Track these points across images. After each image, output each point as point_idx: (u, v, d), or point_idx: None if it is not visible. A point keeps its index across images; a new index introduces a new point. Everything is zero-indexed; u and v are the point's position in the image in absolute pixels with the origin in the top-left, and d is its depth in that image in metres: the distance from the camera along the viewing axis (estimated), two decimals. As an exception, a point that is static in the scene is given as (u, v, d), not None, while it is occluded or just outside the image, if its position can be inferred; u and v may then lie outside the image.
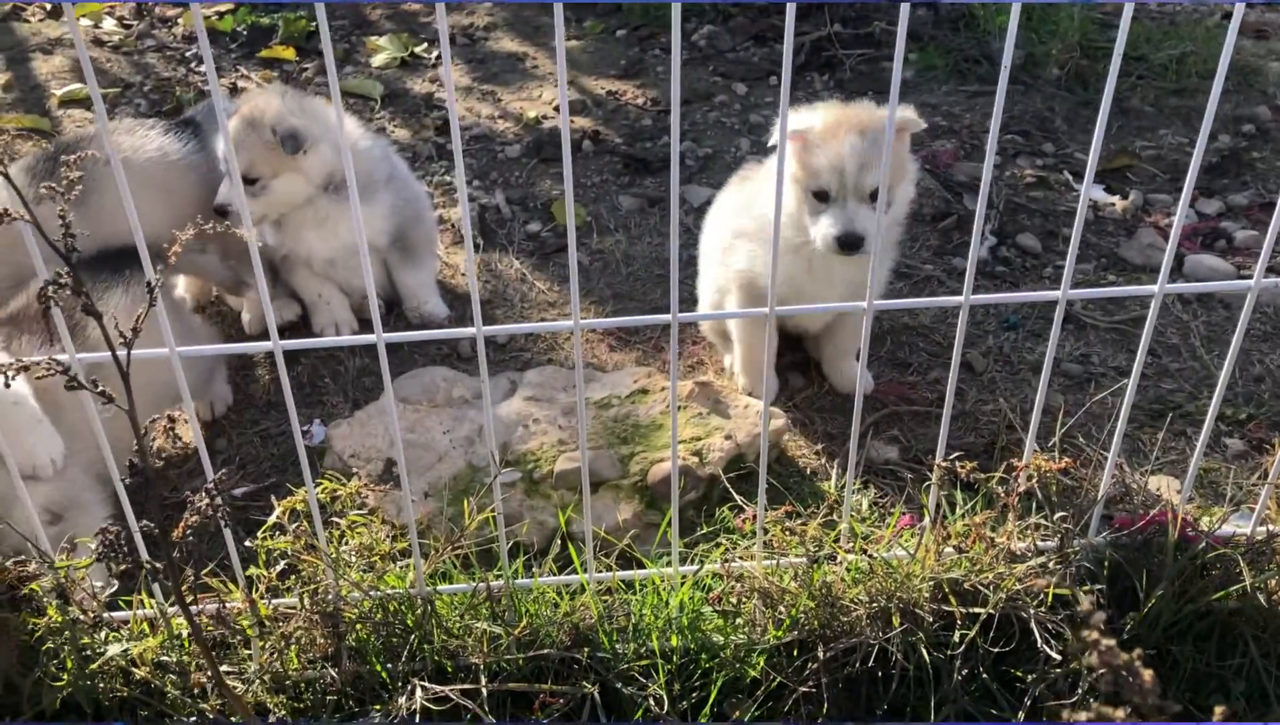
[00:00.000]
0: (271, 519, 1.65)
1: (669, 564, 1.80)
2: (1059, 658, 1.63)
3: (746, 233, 2.40)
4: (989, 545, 1.72)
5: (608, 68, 4.28)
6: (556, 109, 3.96)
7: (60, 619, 1.62)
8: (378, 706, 1.62)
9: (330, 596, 1.67)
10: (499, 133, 3.84)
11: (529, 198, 3.46)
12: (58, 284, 1.18)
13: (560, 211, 3.33)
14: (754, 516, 1.80)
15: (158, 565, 1.32)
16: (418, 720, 1.58)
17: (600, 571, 1.81)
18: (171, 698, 1.62)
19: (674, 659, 1.70)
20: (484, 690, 1.61)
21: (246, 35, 4.47)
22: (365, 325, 2.88)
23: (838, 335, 2.57)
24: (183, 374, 1.55)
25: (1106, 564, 1.77)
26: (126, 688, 1.63)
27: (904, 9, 1.40)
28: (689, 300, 2.72)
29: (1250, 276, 1.67)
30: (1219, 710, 0.80)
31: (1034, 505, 1.76)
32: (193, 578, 1.45)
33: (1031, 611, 1.66)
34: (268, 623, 1.66)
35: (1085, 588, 1.68)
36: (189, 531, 1.28)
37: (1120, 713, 0.73)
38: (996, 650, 1.67)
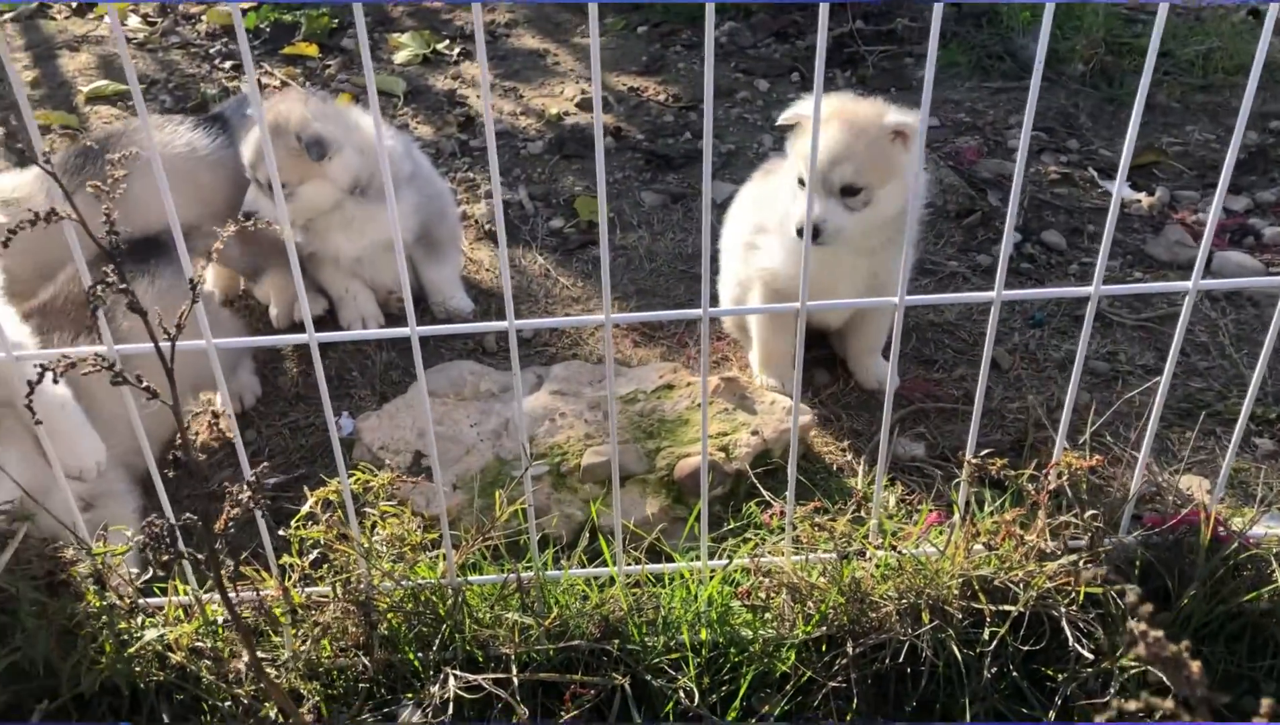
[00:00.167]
0: (305, 508, 1.67)
1: (697, 558, 1.81)
2: (1091, 656, 1.63)
3: (768, 228, 2.40)
4: (1019, 543, 1.71)
5: (629, 64, 4.28)
6: (578, 105, 3.97)
7: (98, 604, 1.64)
8: (409, 695, 1.63)
9: (362, 586, 1.68)
10: (521, 129, 3.85)
11: (551, 194, 3.46)
12: (105, 283, 1.20)
13: (583, 207, 3.33)
14: (782, 512, 1.80)
15: (199, 556, 1.33)
16: (450, 708, 1.59)
17: (629, 564, 1.81)
18: (206, 683, 1.64)
19: (703, 652, 1.71)
20: (515, 680, 1.62)
21: (269, 32, 4.50)
22: (391, 319, 2.90)
23: (862, 331, 2.56)
24: (219, 367, 1.57)
25: (1137, 563, 1.76)
26: (162, 672, 1.65)
27: (937, 8, 1.40)
28: (713, 296, 2.72)
29: (1283, 273, 1.66)
30: (1266, 702, 0.80)
31: (1063, 504, 1.75)
32: (232, 567, 1.47)
33: (1063, 610, 1.65)
34: (300, 611, 1.68)
35: (1119, 586, 1.67)
36: (230, 523, 1.29)
37: (1169, 702, 0.73)
38: (1027, 648, 1.66)
